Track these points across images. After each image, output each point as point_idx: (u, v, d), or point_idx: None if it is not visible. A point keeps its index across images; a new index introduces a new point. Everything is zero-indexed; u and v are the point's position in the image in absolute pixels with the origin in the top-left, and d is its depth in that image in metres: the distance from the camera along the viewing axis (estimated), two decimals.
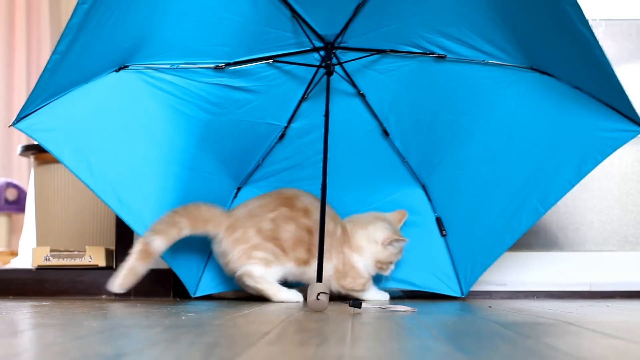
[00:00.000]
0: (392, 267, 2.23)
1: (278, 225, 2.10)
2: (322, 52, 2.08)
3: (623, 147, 2.62)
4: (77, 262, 2.51)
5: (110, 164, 2.03)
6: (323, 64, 2.09)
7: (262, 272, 2.07)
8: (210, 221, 2.08)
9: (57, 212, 2.80)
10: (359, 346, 1.02)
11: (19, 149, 2.95)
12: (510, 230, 2.19)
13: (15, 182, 3.84)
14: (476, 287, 2.55)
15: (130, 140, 2.07)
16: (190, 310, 1.73)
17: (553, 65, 1.98)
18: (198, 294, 2.27)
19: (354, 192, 2.33)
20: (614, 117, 1.97)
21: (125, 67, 2.01)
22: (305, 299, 2.04)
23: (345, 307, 1.80)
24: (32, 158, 2.93)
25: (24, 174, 4.16)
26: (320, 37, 2.05)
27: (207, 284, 2.28)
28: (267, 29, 2.01)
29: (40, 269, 2.55)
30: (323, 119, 2.06)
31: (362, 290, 2.20)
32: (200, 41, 2.01)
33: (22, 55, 4.39)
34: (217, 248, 2.12)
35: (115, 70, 2.00)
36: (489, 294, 2.54)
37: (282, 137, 2.26)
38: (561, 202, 2.61)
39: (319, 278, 1.78)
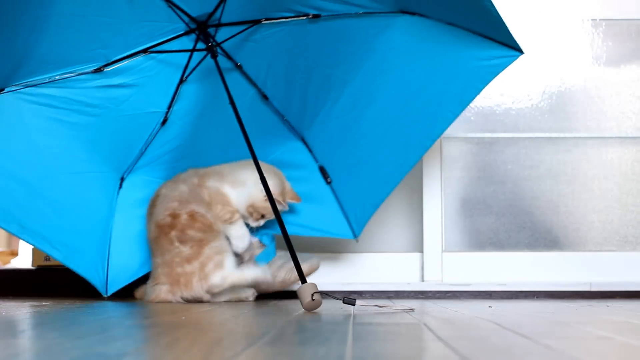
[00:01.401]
0: (261, 222, 2.24)
1: (179, 246, 2.09)
2: (197, 33, 2.09)
3: (623, 147, 2.63)
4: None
5: (4, 192, 2.09)
6: (202, 47, 2.10)
7: (220, 275, 2.07)
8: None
9: None
10: (359, 346, 1.02)
11: None
12: (399, 167, 2.28)
13: None
14: (476, 287, 2.55)
15: (18, 163, 2.12)
16: (190, 310, 1.73)
17: (424, 6, 2.03)
18: (110, 292, 2.29)
19: (239, 158, 2.31)
20: (490, 45, 2.02)
21: (1, 90, 2.04)
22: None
23: (345, 307, 1.79)
24: None
25: None
26: (193, 19, 2.06)
27: (116, 279, 2.31)
28: (142, 23, 2.04)
29: (40, 269, 2.55)
30: (203, 96, 2.18)
31: (231, 221, 2.19)
32: (78, 49, 2.04)
33: None
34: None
35: None
36: (489, 294, 2.54)
37: (164, 122, 2.28)
38: (561, 202, 2.62)
39: (303, 280, 1.79)
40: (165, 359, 0.88)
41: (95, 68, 2.10)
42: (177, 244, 2.09)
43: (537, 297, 2.53)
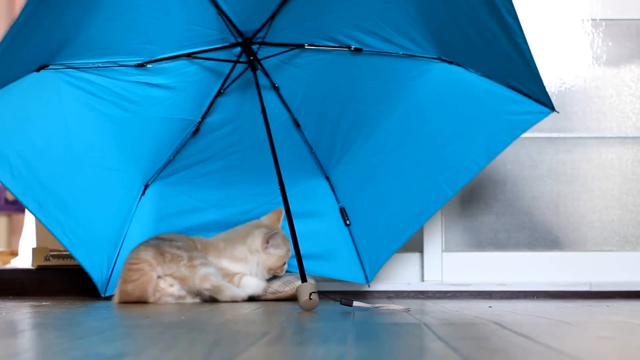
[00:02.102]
0: (285, 267, 2.24)
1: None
2: (239, 48, 2.11)
3: (623, 147, 2.63)
4: (77, 262, 2.50)
5: (30, 166, 2.05)
6: (244, 60, 2.11)
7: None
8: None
9: None
10: (359, 346, 1.02)
11: None
12: (418, 214, 2.28)
13: None
14: (476, 287, 2.55)
15: (49, 142, 2.09)
16: (190, 310, 1.73)
17: (463, 56, 2.07)
18: (108, 293, 2.26)
19: (259, 185, 2.34)
20: (523, 100, 2.07)
21: (46, 66, 2.02)
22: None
23: (344, 308, 1.79)
24: None
25: None
26: (240, 33, 2.07)
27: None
28: (191, 26, 2.04)
29: (40, 269, 2.55)
30: (237, 113, 2.20)
31: (238, 284, 2.14)
32: (125, 40, 2.03)
33: None
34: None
35: (36, 70, 2.00)
36: (489, 294, 2.54)
37: (195, 132, 2.27)
38: (561, 202, 2.62)
39: (304, 279, 1.79)
40: (165, 359, 0.88)
41: (138, 62, 2.08)
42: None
43: (537, 297, 2.53)
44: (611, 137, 2.63)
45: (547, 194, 2.63)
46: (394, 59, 2.12)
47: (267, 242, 2.17)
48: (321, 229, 2.37)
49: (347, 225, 2.39)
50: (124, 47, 2.05)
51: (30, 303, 2.06)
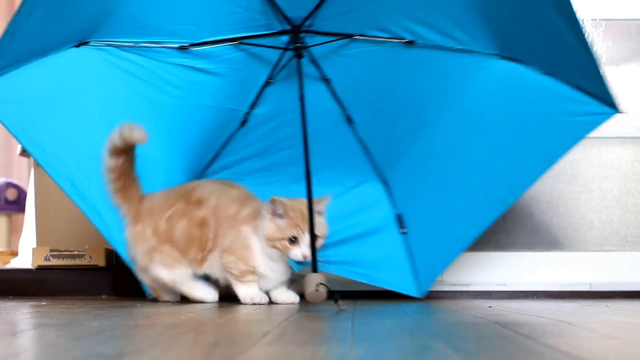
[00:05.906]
0: (296, 250, 1.84)
1: (172, 225, 1.97)
2: (288, 35, 2.00)
3: (623, 147, 2.63)
4: (77, 262, 2.51)
5: (65, 145, 1.97)
6: (291, 47, 2.00)
7: (169, 275, 1.96)
8: (131, 199, 2.00)
9: (57, 212, 2.79)
10: (360, 346, 1.02)
11: (18, 149, 2.95)
12: (476, 223, 2.14)
13: (15, 182, 3.84)
14: (476, 287, 2.55)
15: (85, 122, 2.00)
16: (190, 310, 1.73)
17: (524, 52, 1.92)
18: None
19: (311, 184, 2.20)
20: (587, 100, 1.92)
21: (86, 42, 1.94)
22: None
23: (344, 308, 1.79)
24: (32, 158, 2.92)
25: (24, 174, 4.16)
26: (287, 20, 1.96)
27: None
28: (235, 9, 1.93)
29: (40, 269, 2.55)
30: (287, 105, 2.03)
31: (239, 279, 1.92)
32: (168, 19, 1.93)
33: None
34: (125, 230, 2.03)
35: (75, 46, 1.93)
36: (489, 294, 2.54)
37: (243, 123, 2.15)
38: (561, 202, 2.62)
39: (314, 269, 1.75)
40: (165, 359, 0.88)
41: (181, 44, 1.97)
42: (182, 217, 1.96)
43: (537, 297, 2.53)
44: (611, 137, 2.63)
45: (547, 194, 2.63)
46: (450, 53, 1.97)
47: (274, 211, 1.88)
48: (374, 236, 2.22)
49: (403, 233, 2.24)
50: (165, 27, 1.94)
51: (30, 303, 2.06)
